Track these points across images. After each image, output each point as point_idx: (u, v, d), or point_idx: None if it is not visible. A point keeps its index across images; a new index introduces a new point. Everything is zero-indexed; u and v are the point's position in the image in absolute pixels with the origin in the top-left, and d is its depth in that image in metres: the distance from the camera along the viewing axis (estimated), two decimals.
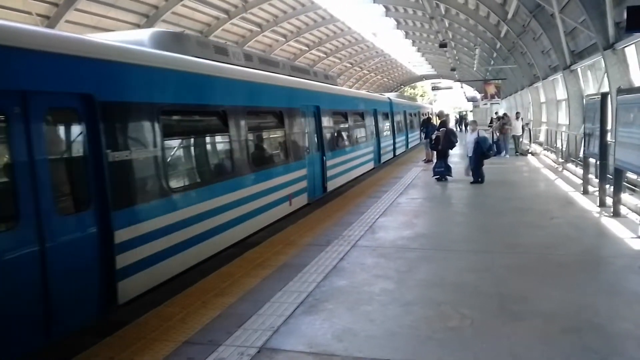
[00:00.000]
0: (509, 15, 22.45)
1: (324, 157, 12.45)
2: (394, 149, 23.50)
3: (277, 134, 10.38)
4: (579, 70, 18.67)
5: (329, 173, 12.83)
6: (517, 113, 24.78)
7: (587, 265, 6.53)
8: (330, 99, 14.03)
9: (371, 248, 7.62)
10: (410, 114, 30.94)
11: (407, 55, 57.53)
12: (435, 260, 6.92)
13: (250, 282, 6.17)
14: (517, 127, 22.73)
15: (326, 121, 13.08)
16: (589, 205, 10.23)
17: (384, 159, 20.58)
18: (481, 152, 13.93)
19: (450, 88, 58.12)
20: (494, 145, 20.01)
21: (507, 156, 20.92)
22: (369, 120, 18.45)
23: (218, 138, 8.12)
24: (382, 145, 20.15)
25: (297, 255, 7.31)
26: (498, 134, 21.87)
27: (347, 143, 15.22)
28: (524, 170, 17.24)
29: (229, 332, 4.76)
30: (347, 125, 15.50)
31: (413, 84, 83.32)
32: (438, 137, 14.81)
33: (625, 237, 7.74)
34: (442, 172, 14.66)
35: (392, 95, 28.83)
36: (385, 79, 66.65)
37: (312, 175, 11.59)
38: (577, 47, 17.64)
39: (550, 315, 4.89)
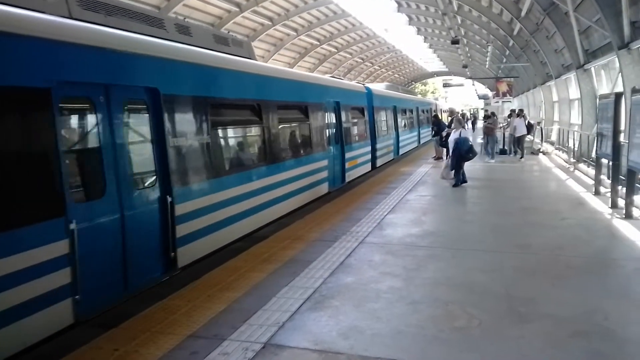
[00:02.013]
0: (522, 13, 22.20)
1: None
2: (373, 159, 17.41)
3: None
4: (592, 69, 18.45)
5: None
6: (520, 110, 22.48)
7: (597, 268, 6.43)
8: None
9: (379, 245, 7.57)
10: (407, 111, 25.57)
11: (418, 51, 57.37)
12: (444, 259, 6.86)
13: (256, 276, 6.14)
14: (519, 126, 20.24)
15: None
16: (600, 206, 10.10)
17: (348, 177, 14.31)
18: (459, 154, 12.96)
19: (461, 85, 57.87)
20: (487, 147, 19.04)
21: (493, 161, 18.99)
22: (322, 118, 12.34)
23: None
24: (347, 157, 14.01)
25: (304, 250, 7.28)
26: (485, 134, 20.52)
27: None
28: (535, 170, 17.09)
29: (234, 326, 4.73)
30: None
31: (424, 81, 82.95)
32: (449, 135, 14.59)
33: (637, 240, 7.62)
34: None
35: (378, 86, 23.59)
36: (396, 75, 66.38)
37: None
38: (591, 46, 17.43)
39: (559, 318, 4.81)
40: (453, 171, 13.20)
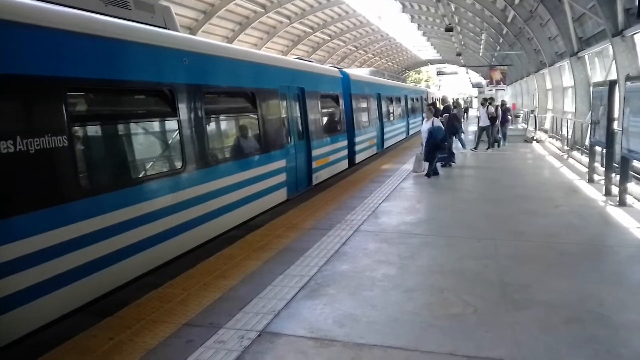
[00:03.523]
0: (516, 0, 22.14)
1: None
2: (351, 154, 15.30)
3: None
4: (586, 57, 18.46)
5: None
6: (484, 99, 21.01)
7: (591, 255, 6.46)
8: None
9: (374, 233, 7.57)
10: (394, 99, 23.24)
11: (412, 39, 57.15)
12: (438, 247, 6.87)
13: (251, 265, 6.13)
14: (482, 117, 19.49)
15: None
16: (594, 194, 10.14)
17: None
18: (434, 143, 12.70)
19: (455, 73, 57.82)
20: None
21: (465, 150, 18.31)
22: (277, 108, 10.05)
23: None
24: (315, 154, 11.93)
25: (299, 238, 7.27)
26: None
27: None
28: (529, 158, 17.13)
29: (230, 315, 4.73)
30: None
31: (418, 69, 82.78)
32: (442, 123, 14.56)
33: (631, 227, 7.66)
34: (445, 158, 14.41)
35: (358, 71, 21.38)
36: (390, 63, 66.17)
37: None
38: (585, 33, 17.42)
39: (553, 304, 4.83)
40: (426, 163, 13.01)
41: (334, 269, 5.98)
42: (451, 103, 27.91)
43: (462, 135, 19.09)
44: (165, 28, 7.25)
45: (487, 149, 19.07)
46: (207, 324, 4.57)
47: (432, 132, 12.70)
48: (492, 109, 19.30)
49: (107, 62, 5.57)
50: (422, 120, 20.83)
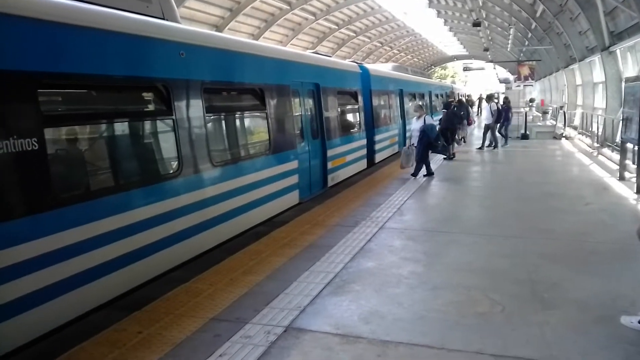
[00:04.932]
0: None
1: None
2: (370, 154, 14.70)
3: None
4: (618, 51, 18.01)
5: None
6: (488, 96, 20.32)
7: (622, 254, 6.31)
8: None
9: (399, 230, 7.54)
10: (418, 96, 22.45)
11: (438, 35, 56.52)
12: (465, 244, 6.81)
13: (277, 261, 6.17)
14: (486, 114, 18.67)
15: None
16: (625, 191, 9.90)
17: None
18: (428, 141, 12.16)
19: (482, 69, 56.97)
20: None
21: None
22: (289, 105, 9.37)
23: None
24: (330, 155, 11.31)
25: (324, 235, 7.28)
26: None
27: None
28: (557, 155, 16.83)
29: (256, 310, 4.76)
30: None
31: (444, 65, 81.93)
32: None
33: None
34: (439, 150, 13.75)
35: (379, 66, 20.46)
36: (415, 59, 65.63)
37: None
38: (617, 27, 16.99)
39: (584, 304, 4.75)
40: (414, 161, 12.40)
41: (359, 266, 5.98)
42: (464, 99, 26.85)
43: (463, 133, 18.69)
44: (163, 19, 6.70)
45: (479, 148, 18.16)
46: (234, 318, 4.61)
47: (425, 130, 12.12)
48: (494, 106, 18.42)
49: (88, 55, 5.02)
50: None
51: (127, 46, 5.57)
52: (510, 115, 20.11)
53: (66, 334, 4.55)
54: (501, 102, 21.23)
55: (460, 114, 18.31)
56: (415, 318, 4.58)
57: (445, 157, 15.10)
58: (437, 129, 12.85)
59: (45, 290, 4.35)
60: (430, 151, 12.57)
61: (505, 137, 19.60)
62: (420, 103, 13.70)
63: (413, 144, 12.46)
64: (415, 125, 12.62)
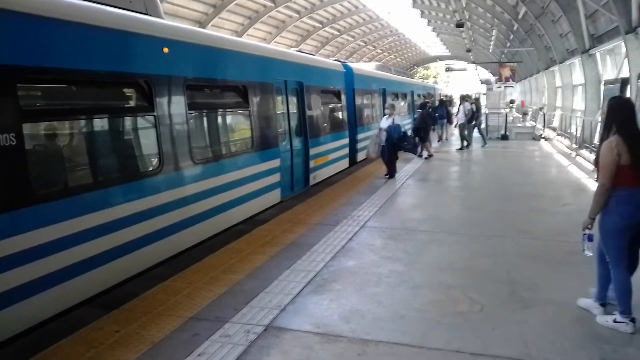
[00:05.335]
0: None
1: None
2: (352, 153, 14.74)
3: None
4: (597, 54, 18.30)
5: None
6: (462, 96, 20.36)
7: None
8: None
9: (380, 229, 7.55)
10: (400, 95, 22.39)
11: (421, 35, 56.87)
12: (445, 244, 6.84)
13: (258, 259, 6.14)
14: (460, 114, 18.75)
15: None
16: None
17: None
18: (392, 142, 11.94)
19: (464, 70, 57.36)
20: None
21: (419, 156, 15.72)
22: (272, 103, 9.30)
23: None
24: (312, 153, 11.28)
25: (305, 234, 7.26)
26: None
27: None
28: (537, 156, 17.01)
29: (236, 309, 4.73)
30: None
31: (426, 65, 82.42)
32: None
33: None
34: (410, 148, 13.57)
35: (362, 65, 20.44)
36: (398, 59, 65.91)
37: None
38: (597, 30, 17.26)
39: (562, 303, 4.80)
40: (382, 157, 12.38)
41: (340, 265, 5.97)
42: (444, 99, 26.72)
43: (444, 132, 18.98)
44: (146, 14, 6.60)
45: (460, 148, 18.16)
46: (213, 317, 4.57)
47: (390, 130, 11.94)
48: (468, 107, 18.44)
49: (69, 50, 4.92)
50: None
51: (109, 41, 5.49)
52: (479, 115, 19.85)
53: (42, 333, 4.47)
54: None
55: (435, 115, 18.42)
56: (395, 317, 4.59)
57: (416, 155, 14.79)
58: (405, 128, 12.79)
59: (21, 288, 4.27)
60: (398, 150, 12.38)
61: (470, 138, 19.05)
62: (393, 103, 13.61)
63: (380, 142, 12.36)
64: (383, 124, 12.42)
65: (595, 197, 4.36)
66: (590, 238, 4.47)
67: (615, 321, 4.27)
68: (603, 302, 4.57)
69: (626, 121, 4.31)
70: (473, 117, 18.62)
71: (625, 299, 4.27)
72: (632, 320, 4.24)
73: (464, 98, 19.78)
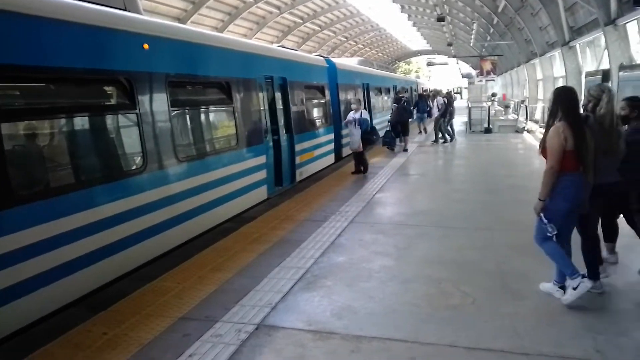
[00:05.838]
0: None
1: None
2: (338, 148, 14.74)
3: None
4: (577, 46, 18.48)
5: None
6: (435, 91, 20.85)
7: None
8: None
9: (369, 224, 7.52)
10: (383, 90, 22.70)
11: (402, 29, 57.10)
12: (435, 237, 6.83)
13: (247, 257, 6.07)
14: (434, 108, 19.13)
15: None
16: None
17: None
18: (360, 135, 11.95)
19: (445, 64, 57.75)
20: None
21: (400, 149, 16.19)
22: (256, 100, 9.27)
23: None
24: (298, 149, 11.34)
25: (294, 230, 7.20)
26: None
27: None
28: (520, 148, 17.14)
29: (226, 308, 4.66)
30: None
31: (408, 60, 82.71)
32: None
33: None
34: (387, 141, 14.99)
35: (345, 60, 20.63)
36: (380, 54, 66.04)
37: None
38: (577, 23, 17.43)
39: (552, 294, 4.80)
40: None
41: (330, 261, 5.93)
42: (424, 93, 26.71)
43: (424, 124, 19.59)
44: (125, 10, 6.47)
45: (434, 141, 18.10)
46: (204, 317, 4.50)
47: (360, 123, 11.94)
48: (440, 101, 18.54)
49: (45, 47, 4.80)
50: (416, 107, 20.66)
51: (87, 38, 5.35)
52: (451, 109, 19.46)
53: (28, 336, 4.36)
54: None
55: (411, 108, 18.58)
56: (387, 312, 4.56)
57: (393, 150, 15.59)
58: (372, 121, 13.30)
59: (6, 291, 4.16)
60: (367, 144, 12.35)
61: (450, 133, 18.99)
62: (359, 97, 14.02)
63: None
64: (351, 117, 12.24)
65: (545, 179, 4.53)
66: (548, 219, 4.50)
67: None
68: (562, 284, 4.70)
69: (571, 109, 4.59)
70: (447, 111, 18.61)
71: (562, 267, 4.62)
72: (562, 287, 4.65)
73: (437, 93, 19.99)
